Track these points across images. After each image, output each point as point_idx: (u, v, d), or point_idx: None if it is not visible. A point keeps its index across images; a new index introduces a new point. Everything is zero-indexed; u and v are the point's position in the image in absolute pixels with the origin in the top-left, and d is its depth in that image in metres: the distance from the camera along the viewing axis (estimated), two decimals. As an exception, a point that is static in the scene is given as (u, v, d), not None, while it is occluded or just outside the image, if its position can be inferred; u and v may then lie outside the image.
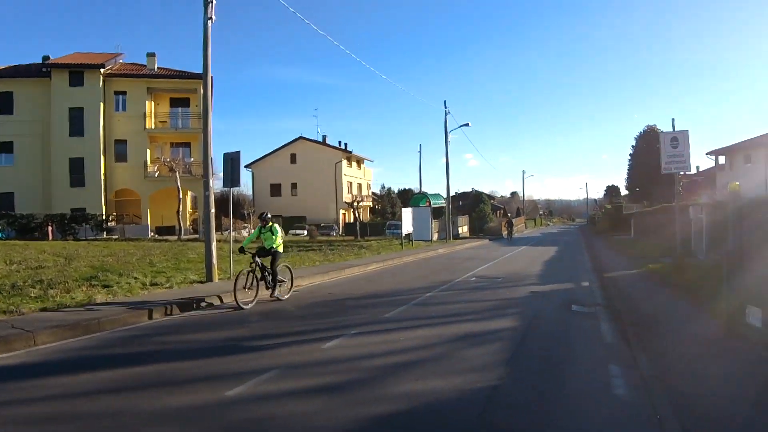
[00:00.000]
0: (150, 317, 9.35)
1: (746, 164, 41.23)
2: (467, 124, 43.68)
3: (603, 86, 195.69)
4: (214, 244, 13.87)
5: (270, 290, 11.52)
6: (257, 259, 11.32)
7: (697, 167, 62.31)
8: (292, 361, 6.54)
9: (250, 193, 62.54)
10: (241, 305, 10.37)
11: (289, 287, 12.26)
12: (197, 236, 33.20)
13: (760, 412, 4.66)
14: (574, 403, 5.16)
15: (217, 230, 31.78)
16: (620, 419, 4.71)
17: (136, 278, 12.92)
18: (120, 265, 15.73)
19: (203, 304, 10.72)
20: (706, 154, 46.75)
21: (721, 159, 46.86)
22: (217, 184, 29.78)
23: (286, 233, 47.52)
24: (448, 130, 41.64)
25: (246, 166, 60.86)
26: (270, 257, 11.65)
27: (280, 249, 12.05)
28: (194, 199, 42.35)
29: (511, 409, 4.92)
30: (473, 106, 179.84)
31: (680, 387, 5.35)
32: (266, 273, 11.41)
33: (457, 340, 7.85)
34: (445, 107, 41.45)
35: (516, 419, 4.69)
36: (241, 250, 11.96)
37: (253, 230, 40.72)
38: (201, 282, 13.35)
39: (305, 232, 46.02)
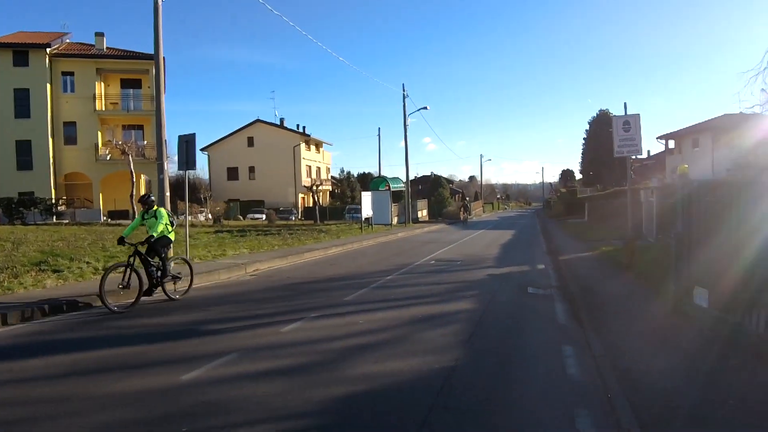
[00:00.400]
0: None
1: (694, 148, 42.58)
2: (425, 108, 43.72)
3: (558, 71, 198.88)
4: (169, 228, 13.57)
5: (159, 287, 9.55)
6: (139, 250, 9.32)
7: (648, 151, 64.03)
8: (251, 345, 6.51)
9: (207, 177, 61.49)
10: (113, 308, 8.45)
11: (188, 284, 10.39)
12: (151, 221, 32.38)
13: (702, 388, 4.86)
14: (528, 383, 5.28)
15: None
16: (572, 398, 4.84)
17: (88, 263, 12.59)
18: (71, 249, 15.26)
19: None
20: (657, 138, 48.11)
21: (671, 143, 48.31)
22: (171, 168, 29.20)
23: (244, 218, 47.08)
24: (407, 114, 41.63)
25: (202, 150, 59.85)
26: (156, 247, 9.54)
27: (171, 236, 10.07)
28: (148, 183, 41.27)
29: (468, 389, 5.00)
30: (431, 91, 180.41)
31: (629, 365, 5.54)
32: (152, 267, 9.42)
33: (416, 322, 7.93)
34: (404, 90, 41.40)
35: (472, 399, 4.77)
36: (120, 241, 9.49)
37: (210, 214, 40.44)
38: (156, 267, 13.04)
39: (263, 217, 45.57)
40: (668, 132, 47.00)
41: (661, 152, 53.27)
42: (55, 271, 11.32)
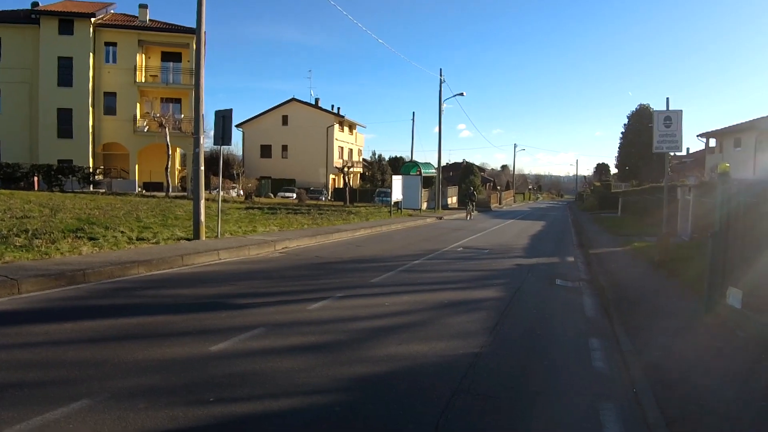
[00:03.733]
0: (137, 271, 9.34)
1: (736, 148, 41.41)
2: (462, 94, 43.24)
3: (599, 63, 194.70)
4: (202, 201, 13.80)
5: None
6: None
7: (687, 149, 62.50)
8: (278, 320, 6.58)
9: (240, 153, 62.08)
10: None
11: None
12: (185, 194, 32.93)
13: (732, 388, 4.76)
14: (553, 373, 5.25)
15: (205, 189, 31.69)
16: (598, 391, 4.80)
17: (122, 232, 12.87)
18: (106, 218, 15.63)
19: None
20: (697, 136, 46.86)
21: (712, 142, 47.03)
22: (207, 143, 29.53)
23: (275, 195, 47.51)
24: (443, 99, 41.29)
25: (237, 126, 60.22)
26: None
27: None
28: (183, 157, 41.87)
29: (492, 376, 4.99)
30: (469, 77, 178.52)
31: (658, 362, 5.46)
32: None
33: (441, 307, 7.93)
34: (441, 75, 40.96)
35: (496, 385, 4.75)
36: None
37: (241, 191, 40.87)
38: (188, 239, 13.29)
39: (294, 195, 45.85)
40: (710, 130, 45.77)
41: (701, 150, 51.96)
42: (90, 239, 11.59)
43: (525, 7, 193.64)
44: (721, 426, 4.06)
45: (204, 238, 13.59)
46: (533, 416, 4.21)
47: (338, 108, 63.24)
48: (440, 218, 31.21)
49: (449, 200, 49.40)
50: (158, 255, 10.55)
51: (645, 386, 4.75)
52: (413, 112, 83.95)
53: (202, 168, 14.24)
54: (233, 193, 40.54)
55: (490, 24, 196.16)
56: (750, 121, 40.83)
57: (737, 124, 42.03)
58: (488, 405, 4.32)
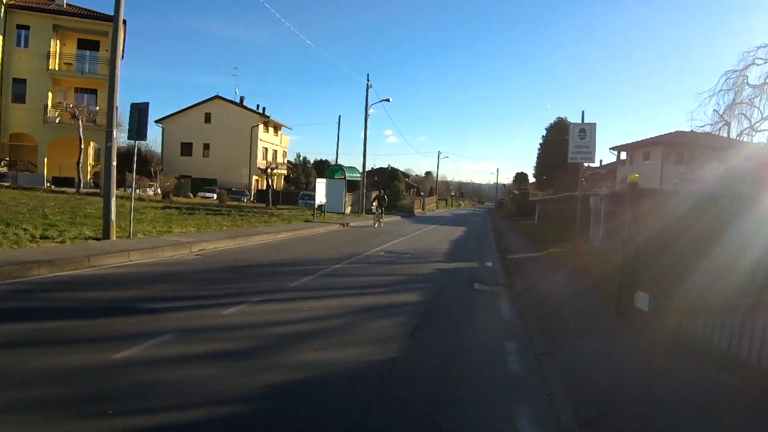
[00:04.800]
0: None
1: (645, 161, 43.94)
2: (388, 100, 43.56)
3: (521, 76, 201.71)
4: (113, 199, 13.10)
5: None
6: None
7: (600, 161, 65.66)
8: (189, 326, 6.26)
9: (159, 150, 59.61)
10: None
11: None
12: (97, 190, 31.22)
13: (641, 388, 4.93)
14: (469, 377, 5.26)
15: (120, 186, 30.10)
16: (513, 394, 4.84)
17: (25, 230, 12.05)
18: (9, 214, 14.59)
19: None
20: (610, 149, 49.52)
21: (623, 155, 49.74)
22: (122, 137, 28.12)
23: (195, 195, 46.08)
24: (369, 104, 41.45)
25: (156, 121, 57.90)
26: None
27: None
28: (97, 151, 39.66)
29: (409, 382, 4.94)
30: (396, 84, 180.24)
31: (571, 363, 5.59)
32: None
33: (360, 311, 7.84)
34: (368, 80, 41.14)
35: (412, 391, 4.70)
36: None
37: (159, 189, 39.31)
38: (97, 239, 12.58)
39: (215, 196, 44.63)
40: (621, 144, 48.39)
41: (613, 163, 54.82)
42: (-13, 236, 10.74)
43: (450, 17, 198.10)
44: (631, 425, 4.17)
45: (115, 238, 12.90)
46: (449, 421, 4.17)
47: (264, 108, 62.16)
48: (363, 222, 31.22)
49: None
50: (63, 255, 9.88)
51: (558, 388, 4.83)
52: (339, 116, 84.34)
53: (115, 163, 13.54)
54: (150, 192, 38.93)
55: (417, 33, 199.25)
56: (658, 136, 43.54)
57: (647, 139, 44.71)
58: (404, 411, 4.25)
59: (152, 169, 42.19)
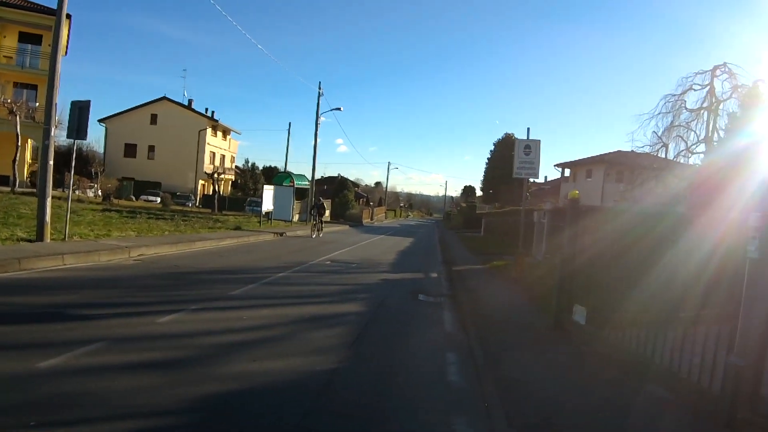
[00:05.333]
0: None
1: (588, 178, 45.38)
2: (339, 109, 43.52)
3: (471, 90, 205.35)
4: (49, 199, 12.56)
5: None
6: None
7: (546, 177, 67.64)
8: (121, 334, 6.03)
9: (102, 150, 57.61)
10: None
11: None
12: (34, 190, 29.83)
13: (575, 399, 5.04)
14: (409, 388, 5.24)
15: (59, 186, 28.91)
16: (452, 405, 4.85)
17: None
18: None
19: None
20: (554, 165, 50.92)
21: (567, 172, 51.21)
22: (62, 135, 27.08)
23: (137, 198, 44.77)
24: (320, 112, 41.34)
25: (100, 120, 55.99)
26: None
27: None
28: (35, 149, 37.85)
29: (348, 393, 4.88)
30: (348, 94, 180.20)
31: (508, 375, 5.67)
32: None
33: (302, 321, 7.74)
34: (320, 88, 41.06)
35: (351, 403, 4.65)
36: None
37: (100, 191, 38.00)
38: (30, 241, 12.05)
39: (158, 200, 43.54)
40: (565, 161, 49.84)
41: (558, 179, 56.37)
42: None
43: (401, 33, 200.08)
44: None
45: (49, 241, 12.36)
46: (386, 433, 4.16)
47: (212, 112, 61.09)
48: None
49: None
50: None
51: (496, 400, 4.88)
52: (289, 123, 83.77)
53: (51, 162, 12.99)
54: (91, 194, 37.62)
55: (369, 45, 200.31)
56: (600, 155, 45.05)
57: (589, 157, 46.21)
58: (342, 423, 4.21)
59: (93, 170, 40.86)
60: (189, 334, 6.44)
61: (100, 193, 38.12)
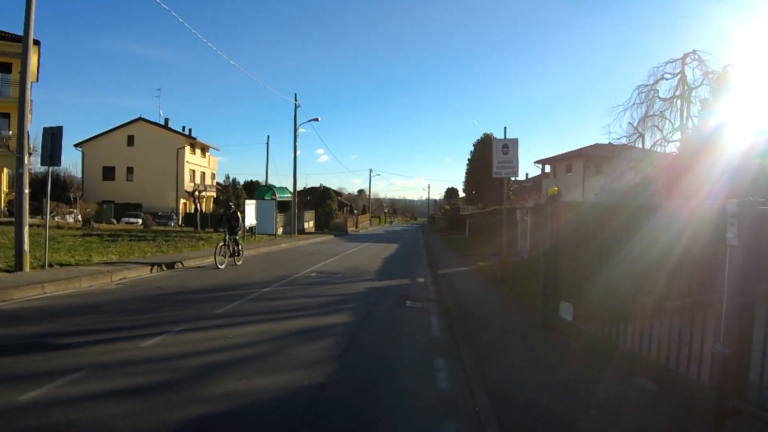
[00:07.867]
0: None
1: (568, 173, 45.73)
2: (317, 119, 43.32)
3: (447, 94, 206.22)
4: (26, 228, 12.42)
5: None
6: None
7: (527, 174, 68.06)
8: (104, 361, 5.91)
9: (80, 175, 56.96)
10: None
11: None
12: (11, 219, 29.40)
13: (565, 399, 5.03)
14: (398, 397, 5.20)
15: (37, 214, 28.47)
16: (441, 412, 4.83)
17: None
18: None
19: None
20: (534, 162, 51.28)
21: (547, 168, 51.57)
22: (36, 163, 26.70)
23: (118, 221, 44.30)
24: (298, 124, 41.19)
25: (76, 145, 55.37)
26: None
27: None
28: (11, 178, 37.43)
29: (336, 407, 4.83)
30: (325, 103, 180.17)
31: (498, 377, 5.66)
32: None
33: (289, 336, 7.66)
34: (296, 100, 40.90)
35: (339, 417, 4.60)
36: None
37: (80, 216, 37.49)
38: (8, 271, 11.88)
39: (140, 221, 43.06)
40: (545, 157, 50.20)
41: (539, 176, 56.77)
42: None
43: (376, 38, 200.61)
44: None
45: (28, 270, 12.19)
46: (376, 446, 4.12)
47: (190, 129, 60.70)
48: (295, 243, 30.87)
49: (306, 224, 49.14)
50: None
51: (486, 404, 4.86)
52: (268, 136, 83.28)
53: (27, 191, 12.83)
54: (70, 219, 37.13)
55: (344, 52, 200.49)
56: (578, 149, 45.42)
57: (568, 152, 46.59)
58: (330, 438, 4.16)
59: (72, 195, 40.35)
60: (174, 356, 6.35)
61: (80, 218, 37.63)
